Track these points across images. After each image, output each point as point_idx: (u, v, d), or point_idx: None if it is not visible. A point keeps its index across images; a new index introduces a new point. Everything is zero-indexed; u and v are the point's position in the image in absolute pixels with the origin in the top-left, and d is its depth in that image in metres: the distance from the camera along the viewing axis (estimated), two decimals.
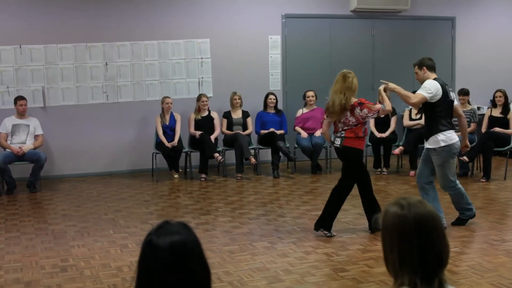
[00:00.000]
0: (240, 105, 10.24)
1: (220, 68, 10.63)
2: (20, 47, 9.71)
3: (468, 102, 9.98)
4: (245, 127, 10.16)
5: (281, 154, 9.89)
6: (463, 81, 11.44)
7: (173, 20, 10.38)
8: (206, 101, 9.97)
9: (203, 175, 9.62)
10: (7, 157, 8.76)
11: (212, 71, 10.63)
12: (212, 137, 9.76)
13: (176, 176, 9.81)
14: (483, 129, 9.63)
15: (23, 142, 9.02)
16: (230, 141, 9.92)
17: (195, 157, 9.88)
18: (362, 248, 5.88)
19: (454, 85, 11.62)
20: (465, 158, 9.14)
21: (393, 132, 9.99)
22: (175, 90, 10.48)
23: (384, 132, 9.90)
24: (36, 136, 9.17)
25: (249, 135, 10.14)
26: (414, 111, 9.89)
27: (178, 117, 9.88)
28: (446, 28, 11.93)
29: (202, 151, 9.64)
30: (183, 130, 9.93)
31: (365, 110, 6.11)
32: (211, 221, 7.07)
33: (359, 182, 6.38)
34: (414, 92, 6.61)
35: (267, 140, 10.02)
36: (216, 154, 9.52)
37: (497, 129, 9.43)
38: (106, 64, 10.11)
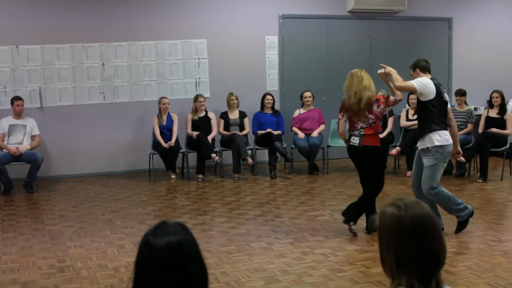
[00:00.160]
0: (237, 106, 10.24)
1: (217, 68, 10.62)
2: (17, 47, 9.70)
3: (465, 103, 9.99)
4: (242, 128, 10.16)
5: (278, 154, 9.89)
6: (460, 82, 11.45)
7: (170, 20, 10.37)
8: (203, 102, 9.97)
9: (200, 176, 9.62)
10: (4, 158, 8.74)
11: (209, 71, 10.63)
12: (209, 138, 9.76)
13: (173, 176, 9.81)
14: (480, 130, 9.64)
15: (20, 142, 9.00)
16: (227, 142, 9.92)
17: (192, 157, 9.87)
18: (359, 248, 5.88)
19: (451, 86, 11.63)
20: (462, 158, 9.15)
21: (390, 133, 10.00)
22: (172, 90, 10.47)
23: (381, 132, 9.89)
24: (33, 137, 9.16)
25: (246, 135, 10.14)
26: (411, 112, 9.90)
27: (175, 118, 9.88)
28: (443, 28, 11.95)
29: (199, 152, 9.64)
30: (180, 130, 9.92)
31: (382, 106, 6.19)
32: (208, 221, 7.07)
33: (365, 179, 6.40)
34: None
35: (264, 141, 10.02)
36: (213, 155, 9.52)
37: (494, 129, 9.43)
38: (103, 64, 10.11)
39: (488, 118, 9.64)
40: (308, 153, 9.98)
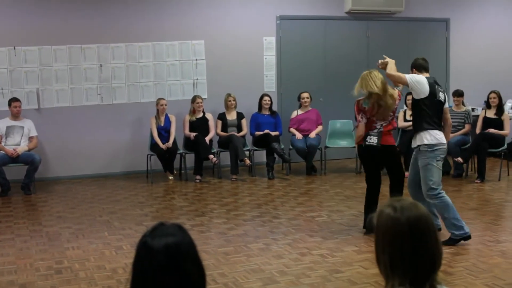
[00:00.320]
0: (235, 107, 10.24)
1: (214, 69, 10.62)
2: (14, 48, 9.69)
3: (463, 104, 10.00)
4: (239, 129, 10.16)
5: (276, 155, 9.89)
6: (457, 83, 11.46)
7: (168, 21, 10.37)
8: (201, 103, 9.97)
9: (198, 177, 9.61)
10: (1, 159, 8.73)
11: (206, 72, 10.63)
12: (207, 139, 9.76)
13: (170, 177, 9.81)
14: (478, 130, 9.64)
15: (18, 144, 9.00)
16: (225, 143, 9.92)
17: (190, 158, 9.87)
18: (357, 249, 5.88)
19: (448, 87, 11.64)
20: (459, 159, 9.16)
21: None
22: (170, 91, 10.47)
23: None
24: (30, 138, 9.15)
25: (243, 136, 10.14)
26: (408, 112, 9.90)
27: (173, 119, 9.88)
28: (440, 29, 11.96)
29: (197, 153, 9.64)
30: (178, 131, 9.92)
31: (398, 101, 6.29)
32: (206, 222, 7.07)
33: (375, 179, 6.42)
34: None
35: (262, 142, 10.02)
36: (211, 156, 9.51)
37: (491, 130, 9.44)
38: (101, 65, 10.10)
39: (485, 119, 9.65)
40: (306, 154, 9.98)
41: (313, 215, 7.32)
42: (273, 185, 9.32)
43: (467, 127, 9.70)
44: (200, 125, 9.91)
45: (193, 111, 10.00)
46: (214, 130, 10.04)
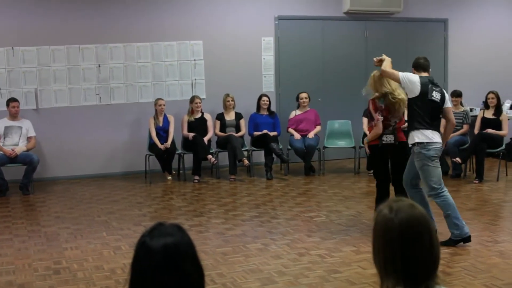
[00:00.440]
0: (233, 107, 10.24)
1: (213, 70, 10.62)
2: (13, 49, 9.69)
3: (461, 104, 10.00)
4: (238, 129, 10.16)
5: (274, 155, 9.89)
6: (455, 83, 11.46)
7: (166, 22, 10.37)
8: (199, 103, 9.96)
9: (196, 177, 9.61)
10: (0, 159, 8.73)
11: (205, 73, 10.63)
12: (205, 139, 9.75)
13: (169, 178, 9.80)
14: (476, 131, 9.65)
15: (16, 144, 8.99)
16: (223, 143, 9.91)
17: (188, 159, 9.86)
18: (356, 249, 5.88)
19: (446, 87, 11.64)
20: (458, 159, 9.17)
21: None
22: (168, 92, 10.47)
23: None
24: (28, 138, 9.15)
25: (242, 136, 10.14)
26: (407, 113, 9.90)
27: (171, 119, 9.87)
28: (439, 29, 11.97)
29: (195, 153, 9.63)
30: (176, 132, 9.91)
31: None
32: (204, 223, 7.06)
33: (387, 176, 6.57)
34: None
35: (260, 142, 10.02)
36: (209, 156, 9.51)
37: (489, 130, 9.45)
38: (99, 66, 10.09)
39: (483, 119, 9.65)
40: (304, 154, 9.99)
41: (311, 215, 7.32)
42: (271, 185, 9.32)
43: (465, 127, 9.70)
44: (198, 126, 9.90)
45: (191, 112, 10.00)
46: (212, 131, 10.04)
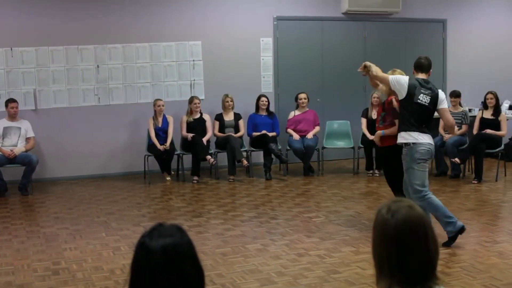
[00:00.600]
0: (232, 107, 10.23)
1: (212, 70, 10.62)
2: (11, 49, 9.68)
3: (460, 104, 10.02)
4: (237, 129, 10.16)
5: (273, 156, 9.89)
6: (454, 83, 11.47)
7: (165, 22, 10.37)
8: (198, 103, 9.96)
9: (195, 178, 9.61)
10: None
11: (204, 73, 10.63)
12: (204, 140, 9.75)
13: (168, 178, 9.80)
14: (475, 131, 9.65)
15: (15, 144, 8.99)
16: (222, 143, 9.91)
17: (187, 159, 9.86)
18: (355, 250, 5.89)
19: (445, 87, 11.65)
20: (456, 159, 9.17)
21: None
22: (167, 92, 10.47)
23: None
24: (27, 139, 9.14)
25: (241, 137, 10.14)
26: None
27: (170, 120, 9.86)
28: (437, 30, 11.97)
29: (194, 154, 9.63)
30: (175, 132, 9.91)
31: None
32: (204, 223, 7.06)
33: (399, 176, 6.47)
34: None
35: (259, 142, 10.02)
36: (208, 157, 9.51)
37: (488, 131, 9.45)
38: (98, 66, 10.09)
39: (482, 120, 9.66)
40: (303, 155, 9.99)
41: (310, 215, 7.32)
42: (270, 185, 9.32)
43: (464, 127, 9.70)
44: (197, 126, 9.90)
45: (190, 112, 9.99)
46: (211, 131, 10.04)
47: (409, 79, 6.03)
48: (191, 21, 10.47)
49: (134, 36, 10.22)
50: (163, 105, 9.80)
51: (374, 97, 9.61)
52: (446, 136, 9.58)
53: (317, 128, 10.23)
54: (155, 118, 9.80)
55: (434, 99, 6.03)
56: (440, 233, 5.94)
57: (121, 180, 9.87)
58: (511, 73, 12.35)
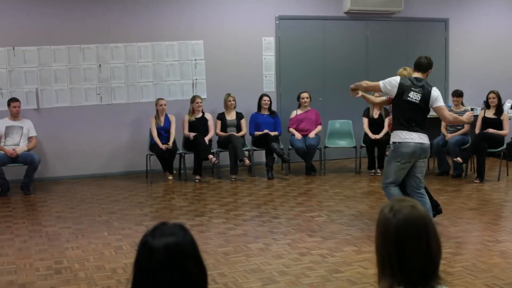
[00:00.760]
0: (234, 107, 10.23)
1: (214, 69, 10.62)
2: (13, 48, 9.69)
3: (462, 104, 10.01)
4: (239, 129, 10.16)
5: (275, 155, 9.89)
6: (456, 83, 11.46)
7: (167, 21, 10.37)
8: (200, 103, 9.96)
9: (197, 177, 9.61)
10: (1, 159, 8.72)
11: (206, 72, 10.62)
12: (206, 139, 9.75)
13: (170, 177, 9.80)
14: (477, 130, 9.64)
15: (17, 144, 8.99)
16: (224, 143, 9.91)
17: (189, 158, 9.87)
18: (357, 249, 5.88)
19: (447, 87, 11.65)
20: (459, 159, 9.16)
21: (387, 134, 9.99)
22: (169, 91, 10.47)
23: (378, 133, 9.90)
24: (29, 138, 9.15)
25: (243, 136, 10.14)
26: None
27: (173, 119, 9.87)
28: (440, 29, 11.96)
29: (196, 153, 9.63)
30: (177, 131, 9.91)
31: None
32: (206, 222, 7.06)
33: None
34: None
35: (261, 142, 10.02)
36: (210, 156, 9.51)
37: (490, 130, 9.44)
38: (100, 65, 10.09)
39: (484, 119, 9.65)
40: (305, 154, 9.98)
41: (312, 215, 7.32)
42: (272, 185, 9.32)
43: (466, 127, 9.69)
44: (199, 125, 9.90)
45: (192, 111, 9.99)
46: (213, 130, 10.04)
47: (401, 79, 6.18)
48: (193, 20, 10.47)
49: (136, 35, 10.22)
50: (165, 104, 9.80)
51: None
52: (448, 136, 9.61)
53: (319, 128, 10.22)
54: (157, 117, 9.80)
55: (426, 96, 6.09)
56: (444, 233, 5.94)
57: (123, 180, 9.88)
58: None
